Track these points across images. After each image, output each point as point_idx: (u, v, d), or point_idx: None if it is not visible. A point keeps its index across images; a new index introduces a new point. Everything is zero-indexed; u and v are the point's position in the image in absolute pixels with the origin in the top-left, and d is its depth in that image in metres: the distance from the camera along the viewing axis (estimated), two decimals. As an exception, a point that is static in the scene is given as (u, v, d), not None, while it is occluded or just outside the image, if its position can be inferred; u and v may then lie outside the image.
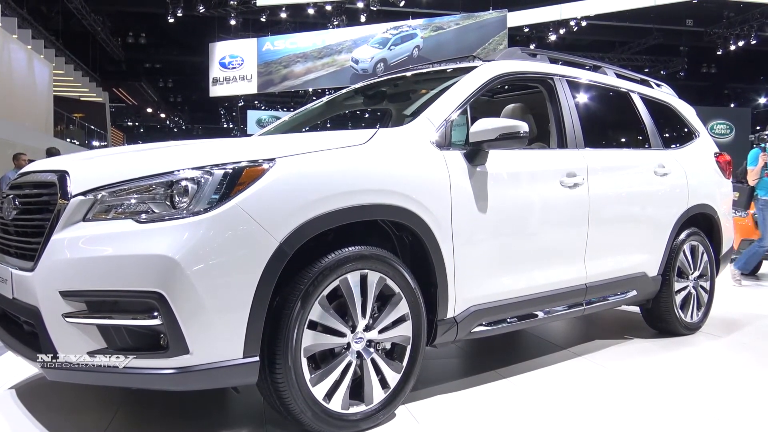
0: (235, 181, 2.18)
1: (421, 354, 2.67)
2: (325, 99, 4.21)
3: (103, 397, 2.87)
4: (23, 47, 19.25)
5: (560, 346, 3.86)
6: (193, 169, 2.18)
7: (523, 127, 2.84)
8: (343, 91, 4.18)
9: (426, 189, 2.66)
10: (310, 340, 2.32)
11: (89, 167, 2.34)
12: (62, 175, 2.27)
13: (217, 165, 2.19)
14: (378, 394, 2.52)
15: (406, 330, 2.61)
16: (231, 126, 36.97)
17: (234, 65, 21.32)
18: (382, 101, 3.98)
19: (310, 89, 23.25)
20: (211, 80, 21.58)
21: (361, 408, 2.48)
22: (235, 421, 2.68)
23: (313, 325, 2.33)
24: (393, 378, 2.57)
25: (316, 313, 2.33)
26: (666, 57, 24.99)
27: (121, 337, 2.11)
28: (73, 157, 2.55)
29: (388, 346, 2.58)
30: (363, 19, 20.25)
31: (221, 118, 37.34)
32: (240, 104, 29.45)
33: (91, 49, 25.11)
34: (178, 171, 2.17)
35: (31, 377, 3.12)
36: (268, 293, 2.18)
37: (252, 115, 27.38)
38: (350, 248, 2.42)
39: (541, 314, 3.24)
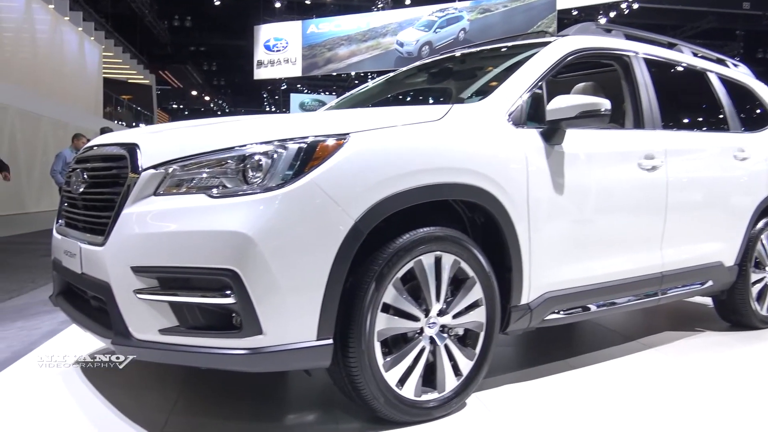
0: (310, 156, 2.08)
1: (495, 341, 2.55)
2: (387, 76, 4.08)
3: (166, 374, 2.84)
4: (74, 29, 19.61)
5: (628, 338, 3.69)
6: (266, 143, 2.09)
7: (605, 104, 2.68)
8: (406, 68, 4.05)
9: (503, 168, 2.52)
10: (383, 323, 2.22)
11: (160, 140, 2.28)
12: (132, 148, 2.21)
13: (291, 139, 2.10)
14: (450, 382, 2.42)
15: (479, 316, 2.49)
16: (273, 109, 37.18)
17: (278, 48, 21.36)
18: (450, 78, 3.84)
19: (353, 72, 23.14)
20: (255, 63, 21.67)
21: (433, 395, 2.38)
22: (302, 404, 2.61)
23: (386, 309, 2.23)
24: (466, 365, 2.47)
25: (389, 295, 2.23)
26: (721, 41, 24.02)
27: (193, 316, 2.04)
28: (141, 130, 2.49)
29: (460, 332, 2.47)
30: (408, 1, 20.01)
31: (264, 101, 37.59)
32: (283, 87, 29.59)
33: (138, 31, 25.45)
34: (251, 145, 2.09)
35: (94, 352, 3.11)
36: (343, 274, 2.09)
37: (295, 99, 27.50)
38: (425, 229, 2.31)
39: (615, 303, 3.09)
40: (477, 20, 19.35)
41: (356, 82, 24.53)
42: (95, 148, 2.52)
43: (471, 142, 2.48)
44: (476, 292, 2.47)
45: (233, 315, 2.04)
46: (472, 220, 2.64)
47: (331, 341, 2.10)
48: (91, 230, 2.31)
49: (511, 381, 2.82)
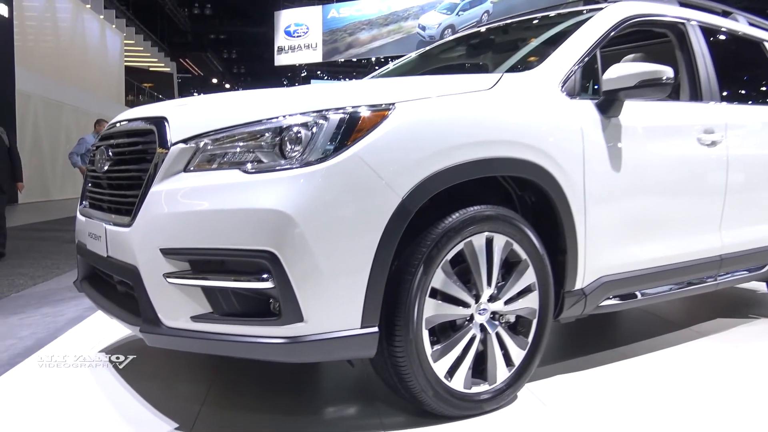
0: (353, 127, 1.90)
1: (548, 329, 2.36)
2: (427, 49, 3.87)
3: (197, 364, 2.70)
4: (96, 17, 19.60)
5: (680, 325, 3.48)
6: (305, 114, 1.91)
7: (667, 72, 2.46)
8: (447, 40, 3.85)
9: (558, 142, 2.32)
10: (431, 310, 2.05)
11: (189, 113, 2.11)
12: (160, 121, 2.04)
13: (332, 109, 1.92)
14: (502, 373, 2.24)
15: (532, 302, 2.31)
16: (294, 96, 36.99)
17: (299, 33, 21.18)
18: (494, 49, 3.62)
19: (374, 58, 22.88)
20: (276, 49, 21.53)
21: (484, 387, 2.20)
22: (342, 396, 2.45)
23: (435, 294, 2.05)
24: (518, 355, 2.28)
25: (438, 280, 2.05)
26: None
27: (228, 301, 1.88)
28: (169, 103, 2.32)
29: (512, 319, 2.29)
30: (430, -17, 19.67)
31: (284, 87, 37.45)
32: (303, 74, 29.40)
33: (159, 19, 25.43)
34: (289, 116, 1.91)
35: (120, 340, 2.98)
36: (389, 256, 1.91)
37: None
38: (475, 207, 2.12)
39: (672, 288, 2.87)
40: (501, 2, 18.95)
41: (376, 67, 24.27)
42: (120, 123, 2.36)
43: (524, 113, 2.28)
44: (529, 276, 2.29)
45: (271, 301, 1.88)
46: (521, 199, 2.45)
47: (376, 329, 1.93)
48: (117, 210, 2.16)
49: (562, 371, 2.63)
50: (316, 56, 21.43)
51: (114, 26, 21.41)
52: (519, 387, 2.29)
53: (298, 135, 1.88)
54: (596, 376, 2.60)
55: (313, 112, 1.91)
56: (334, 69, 30.44)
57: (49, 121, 14.96)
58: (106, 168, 2.26)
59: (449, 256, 2.07)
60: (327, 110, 1.91)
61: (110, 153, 2.26)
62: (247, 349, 1.88)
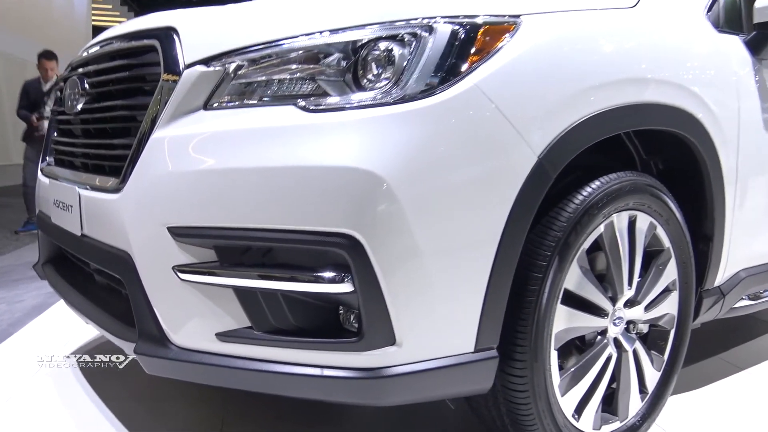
0: (470, 46, 1.23)
1: (686, 341, 1.75)
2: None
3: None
4: (61, -30, 18.27)
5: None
6: (394, 24, 1.23)
7: None
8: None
9: (712, 86, 1.68)
10: (563, 321, 1.41)
11: (209, 22, 1.40)
12: (166, 35, 1.35)
13: (440, 18, 1.24)
14: (635, 403, 1.64)
15: (671, 306, 1.70)
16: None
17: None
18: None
19: None
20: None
21: (615, 425, 1.59)
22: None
23: (566, 299, 1.41)
24: (652, 377, 1.68)
25: (573, 278, 1.41)
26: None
27: (276, 312, 1.21)
28: (177, 12, 1.58)
29: (644, 330, 1.66)
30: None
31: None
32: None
33: (129, -24, 24.00)
34: (372, 26, 1.23)
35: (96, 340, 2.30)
36: (519, 242, 1.27)
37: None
38: (618, 175, 1.48)
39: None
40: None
41: None
42: (103, 43, 1.63)
43: (675, 44, 1.63)
44: (671, 272, 1.67)
45: (344, 312, 1.22)
46: (646, 166, 1.81)
47: (495, 353, 1.29)
48: (98, 169, 1.47)
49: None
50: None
51: (81, -19, 20.07)
52: (653, 420, 1.68)
53: (388, 54, 1.21)
54: (713, 395, 2.02)
55: (410, 20, 1.23)
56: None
57: (10, 79, 13.84)
58: (80, 107, 1.55)
59: (587, 244, 1.43)
60: (432, 18, 1.23)
61: (87, 85, 1.55)
62: (303, 386, 1.23)
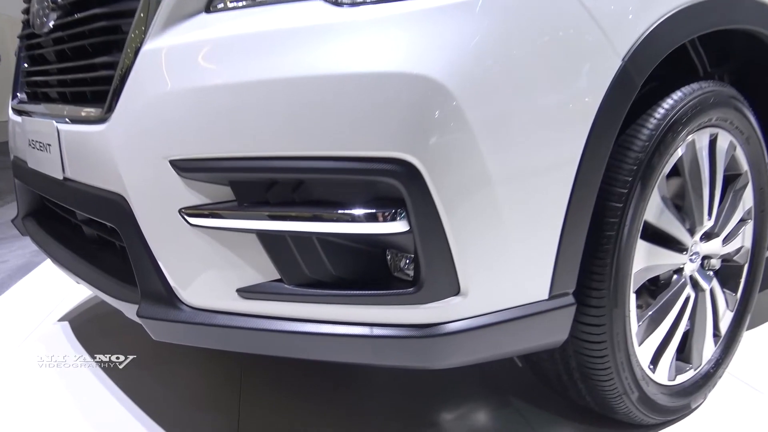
0: None
1: (760, 276, 1.55)
2: None
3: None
4: None
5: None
6: None
7: None
8: None
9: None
10: (642, 259, 1.20)
11: None
12: None
13: None
14: (709, 348, 1.44)
15: (745, 238, 1.49)
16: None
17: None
18: None
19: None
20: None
21: (689, 374, 1.40)
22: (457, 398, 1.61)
23: (645, 233, 1.19)
24: (726, 319, 1.48)
25: (653, 208, 1.19)
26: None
27: (311, 260, 0.98)
28: None
29: (717, 266, 1.46)
30: None
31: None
32: None
33: None
34: None
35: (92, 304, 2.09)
36: (602, 162, 1.04)
37: None
38: (699, 84, 1.24)
39: None
40: None
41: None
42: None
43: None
44: (747, 199, 1.45)
45: (393, 258, 1.00)
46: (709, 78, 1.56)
47: (572, 299, 1.08)
48: (79, 97, 1.22)
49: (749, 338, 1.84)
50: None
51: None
52: (726, 366, 1.50)
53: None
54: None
55: None
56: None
57: (14, 39, 13.22)
58: (51, 24, 1.28)
59: (667, 168, 1.20)
60: None
61: (58, -3, 1.28)
62: (345, 349, 1.01)
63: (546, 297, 1.04)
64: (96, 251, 1.37)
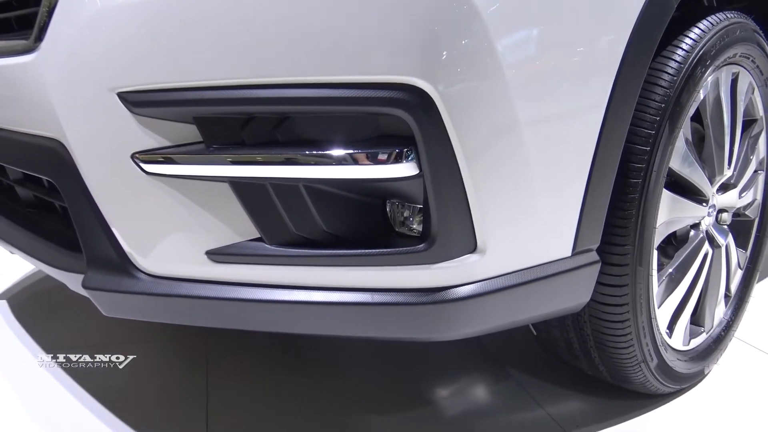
0: None
1: (769, 232, 1.45)
2: None
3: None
4: None
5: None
6: None
7: None
8: None
9: None
10: (666, 211, 1.06)
11: None
12: None
13: None
14: (719, 310, 1.33)
15: (756, 191, 1.38)
16: None
17: None
18: None
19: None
20: None
21: (702, 338, 1.29)
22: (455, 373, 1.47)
23: (670, 181, 1.06)
24: (737, 278, 1.38)
25: (678, 154, 1.05)
26: None
27: (297, 213, 0.81)
28: None
29: (728, 220, 1.35)
30: None
31: None
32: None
33: None
34: None
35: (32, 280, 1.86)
36: (632, 99, 0.89)
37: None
38: (726, 15, 1.10)
39: None
40: None
41: None
42: None
43: None
44: (761, 148, 1.34)
45: (394, 209, 0.83)
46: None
47: (596, 256, 0.94)
48: (2, 25, 1.00)
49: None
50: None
51: None
52: (735, 329, 1.40)
53: None
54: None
55: None
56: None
57: None
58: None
59: (693, 109, 1.07)
60: None
61: None
62: (340, 320, 0.85)
63: (569, 254, 0.90)
64: (33, 216, 1.17)
